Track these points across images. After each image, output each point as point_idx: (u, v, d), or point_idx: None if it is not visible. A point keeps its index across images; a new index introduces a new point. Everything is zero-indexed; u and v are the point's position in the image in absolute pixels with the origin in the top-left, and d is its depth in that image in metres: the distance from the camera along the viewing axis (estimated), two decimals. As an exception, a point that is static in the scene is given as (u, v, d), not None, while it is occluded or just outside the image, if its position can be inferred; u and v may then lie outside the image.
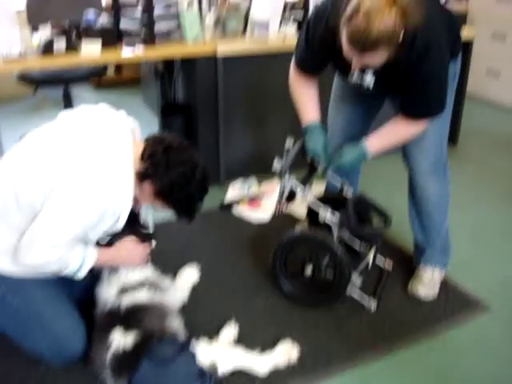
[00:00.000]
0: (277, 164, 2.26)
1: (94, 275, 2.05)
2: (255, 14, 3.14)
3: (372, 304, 2.29)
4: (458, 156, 3.92)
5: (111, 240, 2.01)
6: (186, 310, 2.20)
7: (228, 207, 3.14)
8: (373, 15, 1.68)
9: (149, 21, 2.95)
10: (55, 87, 4.14)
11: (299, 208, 3.02)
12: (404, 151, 2.34)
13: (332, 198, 2.33)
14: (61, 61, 2.86)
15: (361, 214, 2.37)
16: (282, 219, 3.02)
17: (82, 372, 1.97)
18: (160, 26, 3.04)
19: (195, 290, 2.39)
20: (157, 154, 1.85)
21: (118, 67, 5.60)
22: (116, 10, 3.07)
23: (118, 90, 5.42)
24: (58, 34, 2.84)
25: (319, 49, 2.09)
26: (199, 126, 3.28)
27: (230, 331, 2.12)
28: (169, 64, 3.60)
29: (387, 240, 2.75)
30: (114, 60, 3.79)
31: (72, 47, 2.86)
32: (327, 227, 2.22)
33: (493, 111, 5.05)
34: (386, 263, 2.49)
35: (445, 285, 2.46)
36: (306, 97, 2.28)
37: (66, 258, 1.83)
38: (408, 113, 2.08)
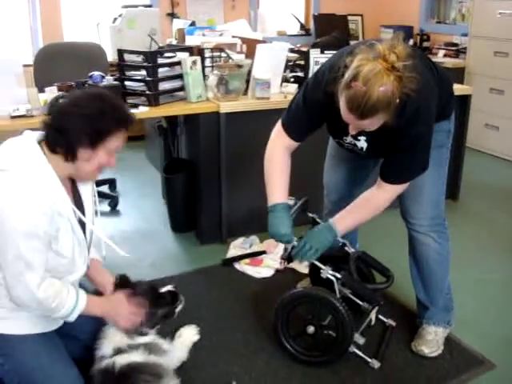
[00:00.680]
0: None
1: (93, 333, 2.03)
2: (257, 74, 3.21)
3: (375, 363, 2.26)
4: (459, 211, 3.94)
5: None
6: (186, 370, 2.17)
7: (230, 262, 3.13)
8: (372, 81, 1.71)
9: (153, 81, 3.02)
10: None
11: (301, 266, 3.02)
12: (402, 209, 2.34)
13: (334, 256, 2.33)
14: (66, 119, 2.91)
15: (362, 271, 2.38)
16: (284, 275, 3.01)
17: None
18: (164, 86, 3.12)
19: (196, 349, 2.36)
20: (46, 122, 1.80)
21: (122, 124, 5.68)
22: (121, 71, 3.16)
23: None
24: (65, 94, 2.91)
25: (316, 112, 2.11)
26: (201, 183, 3.30)
27: (232, 394, 2.09)
28: (172, 121, 3.67)
29: (390, 297, 2.73)
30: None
31: (77, 106, 2.91)
32: (329, 285, 2.22)
33: (494, 164, 5.12)
34: (390, 320, 2.47)
35: (448, 342, 2.43)
36: (277, 174, 2.23)
37: (61, 294, 1.81)
38: (387, 178, 2.08)
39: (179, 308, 2.18)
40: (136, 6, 5.24)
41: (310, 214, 2.33)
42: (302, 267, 3.02)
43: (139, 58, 3.12)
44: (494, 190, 4.44)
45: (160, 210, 3.95)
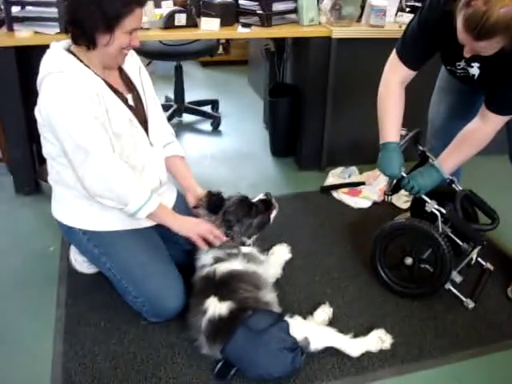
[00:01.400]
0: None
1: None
2: (373, 0, 3.09)
3: (470, 303, 2.24)
4: None
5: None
6: (280, 288, 2.23)
7: (328, 190, 3.14)
8: (493, 1, 1.62)
9: (267, 1, 2.98)
10: (167, 61, 4.30)
11: (400, 200, 2.99)
12: (511, 152, 2.26)
13: (439, 192, 2.28)
14: (181, 34, 2.96)
15: (467, 210, 2.32)
16: (382, 208, 3.00)
17: (179, 330, 2.05)
18: (278, 6, 3.07)
19: (292, 270, 2.42)
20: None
21: (226, 48, 5.70)
22: (236, -12, 3.14)
23: (225, 70, 5.54)
24: (180, 9, 2.94)
25: (432, 35, 2.03)
26: (305, 110, 3.29)
27: (324, 313, 2.13)
28: (280, 45, 3.63)
29: (490, 240, 2.66)
30: (231, 36, 3.85)
31: (192, 22, 2.95)
32: (431, 221, 2.18)
33: None
34: (488, 264, 2.42)
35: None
36: (392, 113, 2.20)
37: (133, 183, 1.89)
38: (494, 106, 2.01)
39: (274, 214, 2.22)
40: None
41: (421, 148, 2.27)
42: (401, 202, 2.98)
43: (255, -23, 3.08)
44: None
45: (261, 134, 3.99)
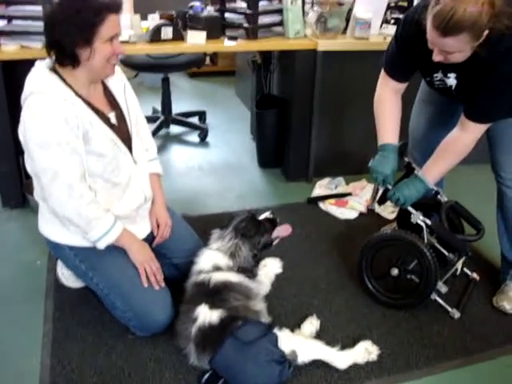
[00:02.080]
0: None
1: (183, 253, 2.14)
2: (358, 13, 3.12)
3: (456, 313, 2.26)
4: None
5: None
6: (268, 301, 2.22)
7: (315, 201, 3.16)
8: None
9: (253, 14, 3.01)
10: (155, 73, 4.31)
11: (386, 210, 3.01)
12: (492, 160, 2.28)
13: (424, 203, 2.30)
14: (167, 47, 2.98)
15: (453, 221, 2.34)
16: (368, 219, 3.02)
17: (167, 344, 2.05)
18: (263, 20, 3.10)
19: (278, 282, 2.41)
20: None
21: (214, 59, 5.73)
22: (222, 2, 3.16)
23: (212, 80, 5.56)
24: (166, 22, 2.96)
25: (408, 48, 2.08)
26: (292, 121, 3.31)
27: (312, 325, 2.14)
28: (266, 57, 3.66)
29: (476, 250, 2.69)
30: (217, 49, 3.88)
31: (178, 35, 2.96)
32: (417, 231, 2.21)
33: None
34: (474, 274, 2.45)
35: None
36: (388, 116, 2.25)
37: (94, 214, 1.90)
38: (472, 115, 2.03)
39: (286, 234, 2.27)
40: None
41: (406, 159, 2.30)
42: (387, 213, 3.01)
43: (240, -9, 3.12)
44: None
45: (248, 145, 4.02)
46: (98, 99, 1.98)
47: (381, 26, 3.30)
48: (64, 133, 1.80)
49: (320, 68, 3.11)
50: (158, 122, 4.07)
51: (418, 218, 2.20)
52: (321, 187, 3.30)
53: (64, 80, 1.86)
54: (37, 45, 2.67)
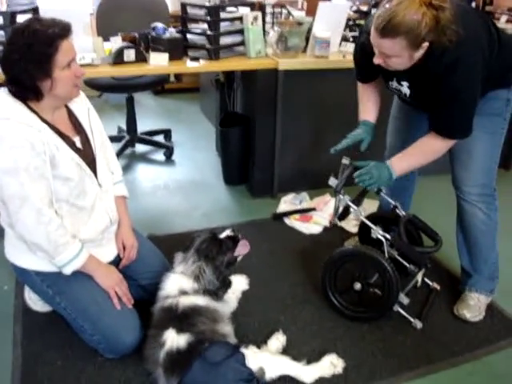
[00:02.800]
0: (333, 181, 2.32)
1: (150, 274, 2.15)
2: (317, 32, 3.20)
3: (418, 323, 2.32)
4: (510, 182, 3.89)
5: None
6: (234, 317, 2.25)
7: (280, 217, 3.21)
8: (404, 4, 1.79)
9: (214, 35, 3.06)
10: (119, 93, 4.32)
11: (349, 223, 3.08)
12: (452, 175, 2.35)
13: (384, 217, 2.38)
14: (130, 70, 3.01)
15: (412, 234, 2.42)
16: (332, 233, 3.08)
17: (136, 366, 2.06)
18: (225, 40, 3.16)
19: (245, 298, 2.45)
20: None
21: (178, 76, 5.75)
22: (183, 24, 3.21)
23: (177, 97, 5.59)
24: (129, 45, 2.99)
25: (364, 56, 2.16)
26: (256, 138, 3.37)
27: (278, 341, 2.18)
28: (230, 75, 3.72)
29: (436, 260, 2.77)
30: (180, 70, 3.92)
31: (141, 57, 3.00)
32: (378, 245, 2.28)
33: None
34: (435, 284, 2.52)
35: (491, 309, 2.46)
36: (367, 98, 2.42)
37: (62, 240, 1.92)
38: (433, 128, 2.11)
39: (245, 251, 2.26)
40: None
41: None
42: (351, 226, 3.08)
43: (201, 12, 3.15)
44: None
45: (213, 162, 4.05)
46: (63, 124, 2.00)
47: (340, 43, 3.39)
48: (31, 158, 1.82)
49: (281, 86, 3.18)
50: (123, 142, 4.07)
51: (377, 232, 2.26)
52: (286, 203, 3.36)
53: (28, 106, 1.88)
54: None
